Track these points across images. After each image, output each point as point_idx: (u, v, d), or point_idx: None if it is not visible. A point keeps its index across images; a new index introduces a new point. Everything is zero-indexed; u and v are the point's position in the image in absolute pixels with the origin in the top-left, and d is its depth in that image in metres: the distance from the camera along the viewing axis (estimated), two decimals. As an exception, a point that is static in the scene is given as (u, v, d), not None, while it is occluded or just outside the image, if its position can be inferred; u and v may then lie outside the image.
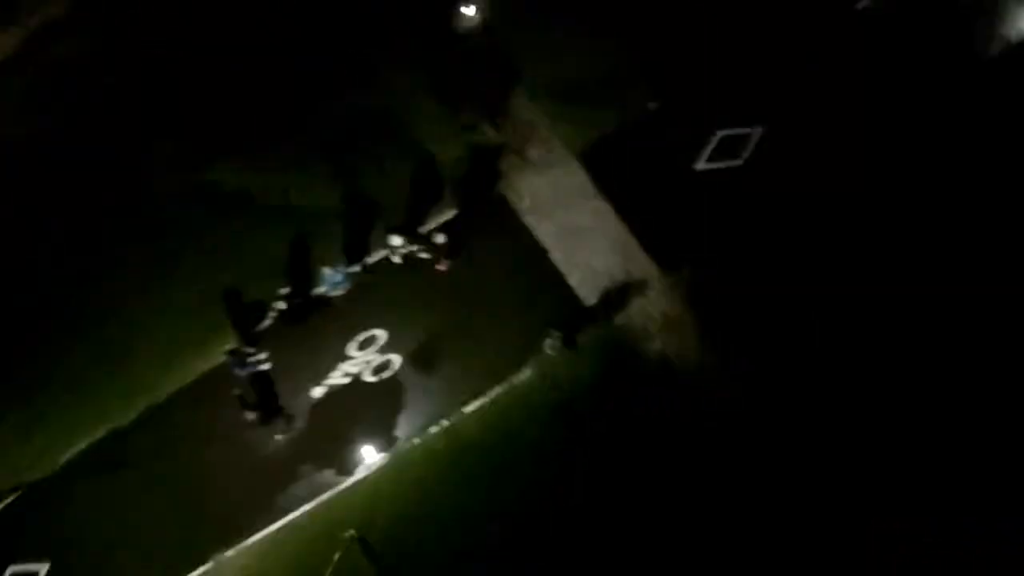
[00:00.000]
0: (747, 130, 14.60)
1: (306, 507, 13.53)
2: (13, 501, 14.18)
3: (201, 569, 13.28)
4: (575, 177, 14.53)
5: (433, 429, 13.73)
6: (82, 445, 14.28)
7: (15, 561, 13.70)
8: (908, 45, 15.12)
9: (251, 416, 13.94)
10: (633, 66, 15.35)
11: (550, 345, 13.40)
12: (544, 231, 14.35)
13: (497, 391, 13.75)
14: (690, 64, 15.25)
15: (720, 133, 14.64)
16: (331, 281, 14.43)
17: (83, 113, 16.34)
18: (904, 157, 14.22)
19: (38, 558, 13.66)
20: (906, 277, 13.40)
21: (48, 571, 13.63)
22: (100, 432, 14.21)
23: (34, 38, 17.47)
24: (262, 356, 13.92)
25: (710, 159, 14.54)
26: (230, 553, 13.34)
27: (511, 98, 15.27)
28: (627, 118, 15.05)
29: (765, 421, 12.78)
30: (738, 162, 14.48)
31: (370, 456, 13.71)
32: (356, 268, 14.60)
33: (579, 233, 14.21)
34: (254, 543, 13.44)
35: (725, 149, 14.53)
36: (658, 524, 12.49)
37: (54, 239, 15.67)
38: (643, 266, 13.87)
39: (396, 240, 13.86)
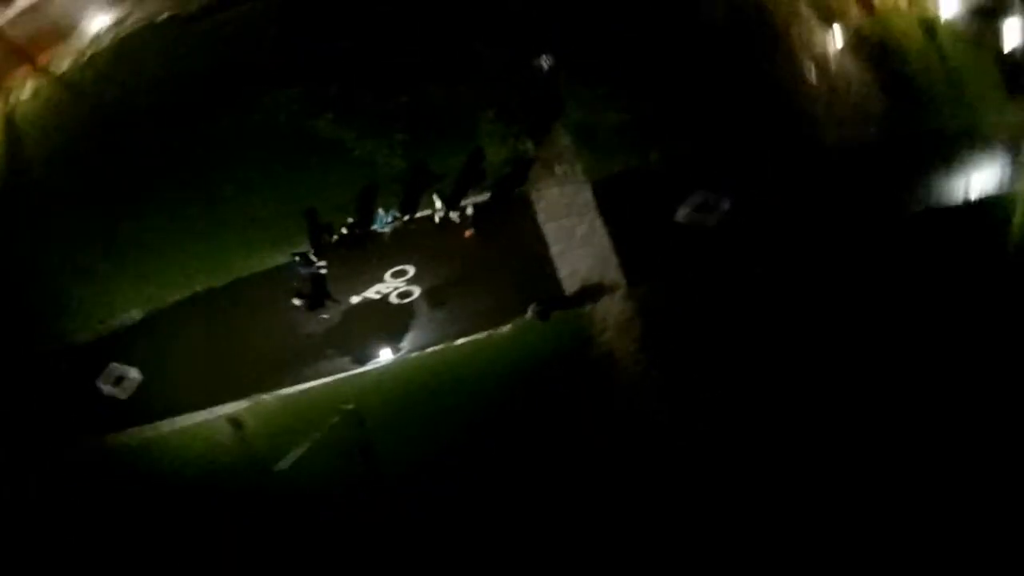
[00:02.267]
0: (723, 197, 18.13)
1: (324, 380, 17.77)
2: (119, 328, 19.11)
3: (241, 402, 17.71)
4: (584, 196, 18.79)
5: (430, 350, 17.85)
6: (181, 295, 19.18)
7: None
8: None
9: (300, 302, 18.50)
10: (650, 124, 19.32)
11: (531, 313, 17.51)
12: (549, 229, 18.61)
13: (481, 336, 17.71)
14: (692, 132, 19.10)
15: (701, 193, 18.20)
16: (383, 221, 18.98)
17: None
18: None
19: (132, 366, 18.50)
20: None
21: (139, 377, 18.40)
22: (198, 287, 19.13)
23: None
24: (322, 263, 18.63)
25: (688, 209, 18.16)
26: (265, 396, 17.74)
27: (553, 125, 19.68)
28: (635, 164, 18.99)
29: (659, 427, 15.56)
30: (710, 220, 18.05)
31: (380, 357, 17.87)
32: (405, 217, 19.14)
33: (575, 238, 18.38)
34: (280, 395, 17.72)
35: (702, 206, 18.21)
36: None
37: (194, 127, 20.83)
38: (615, 276, 17.82)
39: (439, 203, 18.39)
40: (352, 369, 17.98)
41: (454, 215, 18.61)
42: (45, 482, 17.27)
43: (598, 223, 18.48)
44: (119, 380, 18.34)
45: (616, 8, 20.75)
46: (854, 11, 20.40)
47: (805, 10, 20.72)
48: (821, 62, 20.01)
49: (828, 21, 20.46)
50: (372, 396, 17.41)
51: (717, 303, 17.11)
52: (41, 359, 18.85)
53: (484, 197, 18.90)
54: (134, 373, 18.38)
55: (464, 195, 18.87)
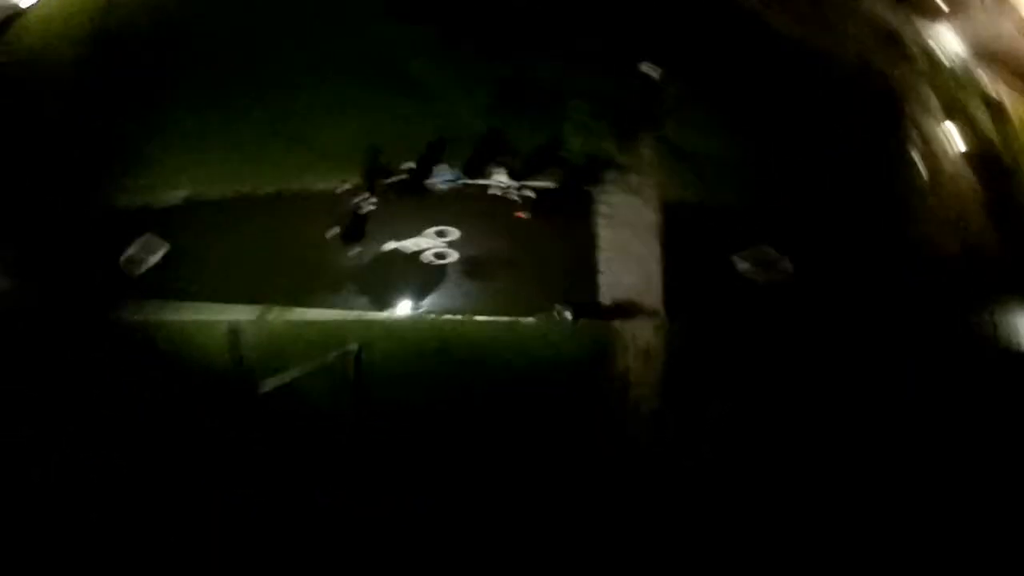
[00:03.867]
0: (786, 259, 17.10)
1: (334, 314, 17.42)
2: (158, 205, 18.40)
3: (254, 310, 17.20)
4: (648, 213, 18.11)
5: (448, 316, 17.50)
6: (223, 192, 18.39)
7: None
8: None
9: (335, 232, 17.81)
10: (740, 165, 18.42)
11: (558, 311, 16.91)
12: (604, 236, 17.95)
13: (502, 319, 17.32)
14: (778, 188, 18.18)
15: (767, 248, 17.27)
16: (442, 176, 18.48)
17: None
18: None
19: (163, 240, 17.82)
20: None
21: (167, 251, 17.67)
22: (243, 189, 18.49)
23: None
24: (372, 200, 18.21)
25: (746, 260, 17.23)
26: (272, 313, 17.19)
27: (642, 135, 19.01)
28: (711, 199, 18.14)
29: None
30: (765, 276, 17.17)
31: (397, 308, 17.48)
32: (464, 179, 18.61)
33: (628, 253, 17.73)
34: (286, 318, 17.28)
35: (763, 261, 17.26)
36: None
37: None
38: (654, 302, 17.13)
39: (503, 176, 17.86)
40: (367, 311, 17.54)
41: (516, 194, 18.05)
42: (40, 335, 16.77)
43: (655, 244, 17.78)
44: (141, 257, 17.85)
45: (742, 43, 19.87)
46: (983, 118, 19.50)
47: (933, 104, 19.60)
48: (933, 162, 19.03)
49: (953, 120, 19.29)
50: (379, 342, 17.02)
51: (749, 362, 16.36)
52: (74, 220, 18.07)
53: (550, 184, 18.31)
54: (160, 251, 18.14)
55: (532, 176, 18.29)
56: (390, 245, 18.40)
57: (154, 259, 18.11)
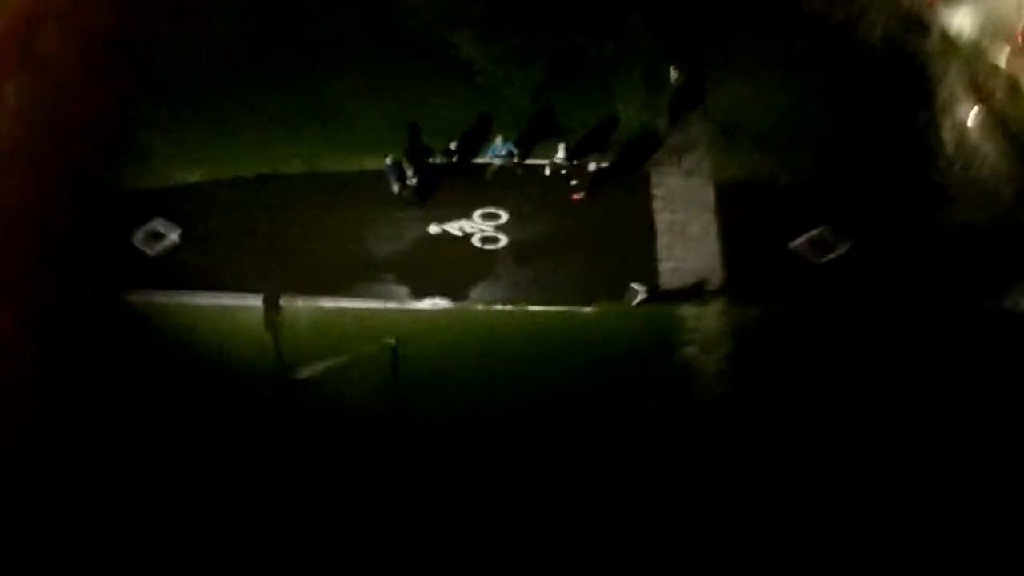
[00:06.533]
0: (843, 238, 16.77)
1: (375, 303, 16.11)
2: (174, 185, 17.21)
3: (287, 297, 15.99)
4: (705, 195, 17.34)
5: (497, 307, 16.19)
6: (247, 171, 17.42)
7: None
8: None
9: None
10: (789, 143, 17.87)
11: (633, 294, 15.77)
12: (661, 219, 17.09)
13: (558, 309, 16.10)
14: (828, 165, 17.73)
15: (826, 228, 16.87)
16: (497, 151, 17.14)
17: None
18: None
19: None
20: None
21: (179, 235, 16.62)
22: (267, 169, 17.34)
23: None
24: (413, 178, 16.79)
25: (804, 242, 16.82)
26: (305, 302, 16.00)
27: (690, 113, 18.28)
28: (763, 177, 17.53)
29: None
30: (822, 257, 16.72)
31: (439, 299, 16.24)
32: (517, 156, 17.30)
33: (686, 235, 16.92)
34: (322, 306, 16.03)
35: (820, 242, 16.84)
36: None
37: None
38: (717, 286, 16.31)
39: (562, 155, 16.67)
40: (408, 303, 16.26)
41: (571, 168, 16.87)
42: (61, 326, 15.36)
43: (713, 226, 17.02)
44: (156, 236, 16.50)
45: (781, 26, 19.65)
46: (999, 90, 19.40)
47: (956, 75, 19.56)
48: (958, 132, 18.91)
49: (973, 92, 19.37)
50: (420, 336, 15.72)
51: (814, 344, 15.72)
52: (94, 198, 16.89)
53: (605, 164, 17.24)
54: (174, 235, 16.47)
55: (586, 156, 17.17)
56: (433, 228, 17.31)
57: (164, 245, 16.42)
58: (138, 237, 16.53)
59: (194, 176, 17.22)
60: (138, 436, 14.27)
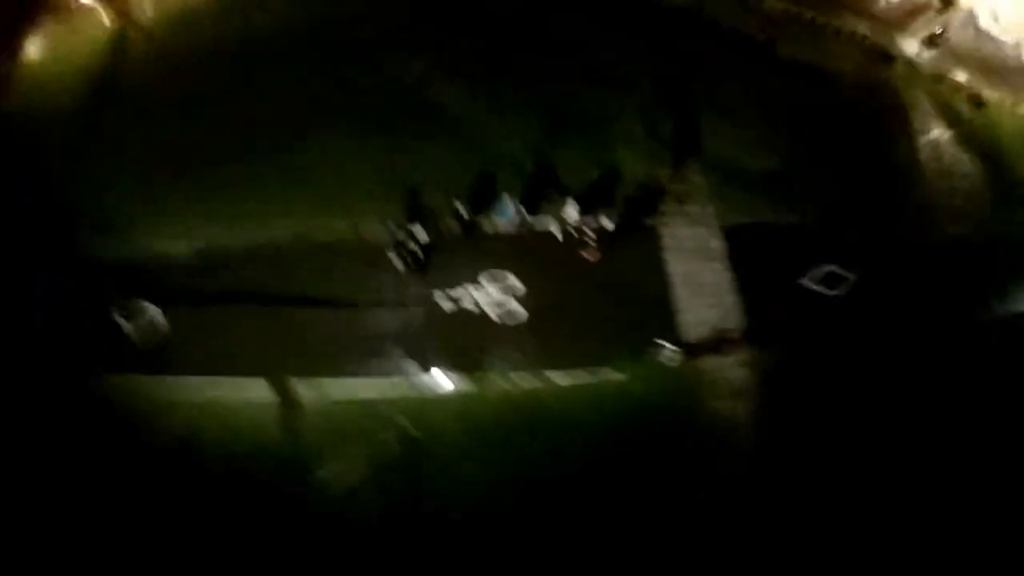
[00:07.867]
0: (848, 273, 16.91)
1: (381, 384, 15.06)
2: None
3: (281, 385, 14.85)
4: (713, 242, 17.03)
5: (513, 376, 15.21)
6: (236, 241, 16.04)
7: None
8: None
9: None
10: (789, 183, 17.97)
11: (667, 355, 15.35)
12: (674, 270, 16.66)
13: (583, 378, 15.34)
14: (824, 200, 17.91)
15: (828, 267, 16.94)
16: (505, 210, 16.37)
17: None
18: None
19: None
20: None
21: (163, 324, 15.11)
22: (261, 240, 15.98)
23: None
24: (414, 246, 15.75)
25: (813, 280, 16.87)
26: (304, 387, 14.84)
27: (688, 160, 18.05)
28: (768, 218, 17.47)
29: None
30: (831, 293, 16.82)
31: (449, 380, 15.22)
32: (526, 217, 16.58)
33: (700, 284, 16.53)
34: (326, 389, 14.92)
35: (827, 279, 16.92)
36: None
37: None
38: (737, 334, 15.98)
39: (573, 211, 15.99)
40: (418, 382, 15.29)
41: (584, 227, 16.18)
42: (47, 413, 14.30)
43: (725, 274, 16.72)
44: (138, 313, 15.08)
45: (758, 69, 19.98)
46: (965, 106, 20.38)
47: (924, 98, 20.45)
48: (934, 151, 19.67)
49: (941, 112, 20.27)
50: (434, 417, 14.89)
51: (839, 382, 15.58)
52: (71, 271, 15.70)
53: (611, 219, 16.66)
54: (159, 319, 15.02)
55: (591, 211, 16.54)
56: (445, 303, 16.11)
57: (148, 328, 14.95)
58: (119, 313, 14.92)
59: (187, 249, 15.92)
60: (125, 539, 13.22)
